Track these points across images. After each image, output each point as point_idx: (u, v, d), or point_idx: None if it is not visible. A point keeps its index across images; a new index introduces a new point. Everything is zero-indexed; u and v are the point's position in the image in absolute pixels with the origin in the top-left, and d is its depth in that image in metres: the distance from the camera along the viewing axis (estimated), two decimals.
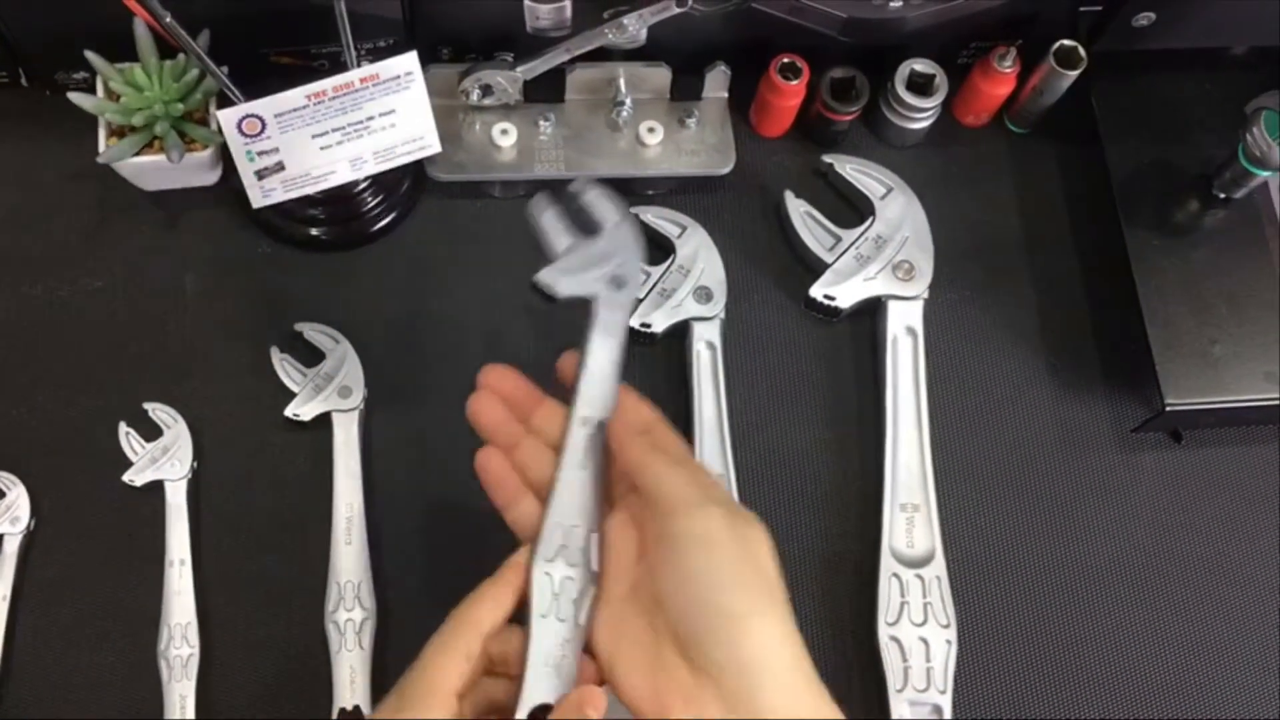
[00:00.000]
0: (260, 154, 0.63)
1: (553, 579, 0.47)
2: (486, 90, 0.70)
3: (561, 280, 0.51)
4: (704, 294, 0.69)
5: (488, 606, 0.47)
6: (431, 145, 0.66)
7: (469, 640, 0.46)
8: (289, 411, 0.65)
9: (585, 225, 0.52)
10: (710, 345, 0.68)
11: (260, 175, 0.64)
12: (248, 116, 0.62)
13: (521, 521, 0.50)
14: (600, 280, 0.51)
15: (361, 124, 0.64)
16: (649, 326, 0.68)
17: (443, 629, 0.47)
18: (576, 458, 0.49)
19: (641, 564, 0.47)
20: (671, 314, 0.68)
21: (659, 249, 0.71)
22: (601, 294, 0.51)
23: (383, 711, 0.45)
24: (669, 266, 0.69)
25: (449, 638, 0.46)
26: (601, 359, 0.51)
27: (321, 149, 0.64)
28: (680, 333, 0.69)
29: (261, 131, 0.62)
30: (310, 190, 0.66)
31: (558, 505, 0.49)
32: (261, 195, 0.65)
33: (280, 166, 0.64)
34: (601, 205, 0.52)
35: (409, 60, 0.62)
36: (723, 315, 0.69)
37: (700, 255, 0.70)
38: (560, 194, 0.52)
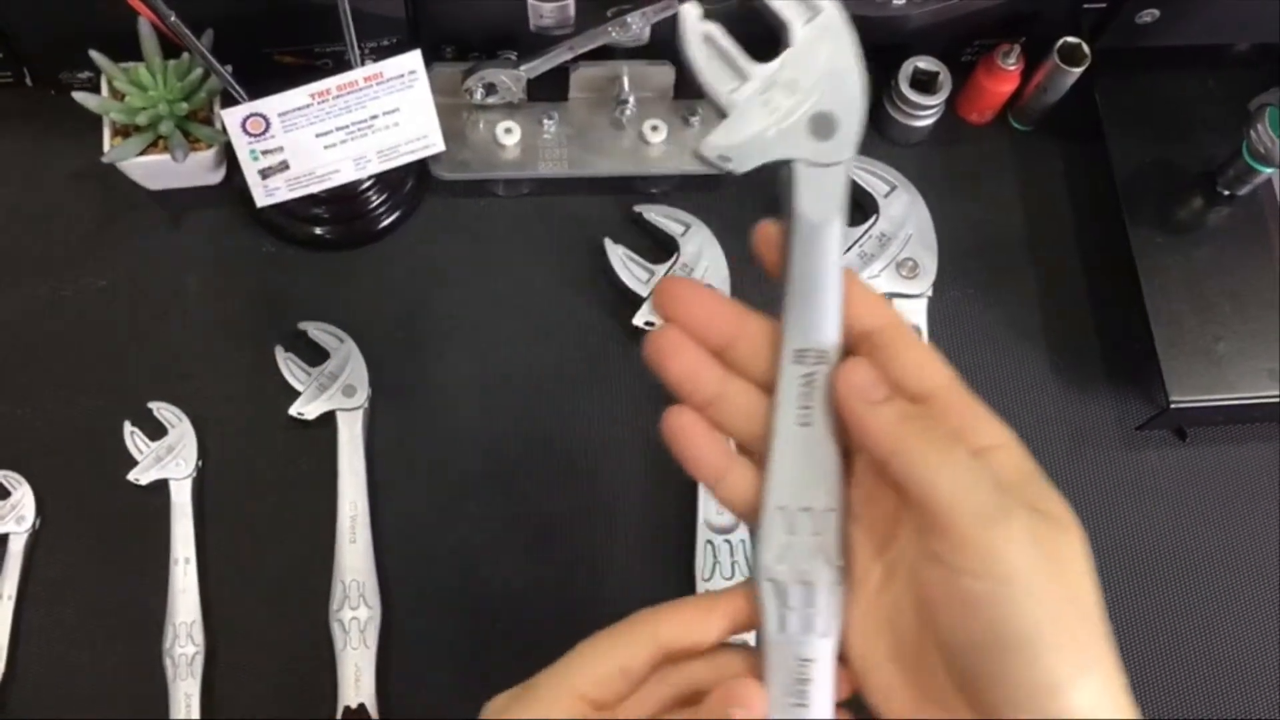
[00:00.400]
0: (264, 153, 0.63)
1: (780, 586, 0.35)
2: (490, 89, 0.70)
3: (738, 144, 0.35)
4: None
5: (677, 623, 0.36)
6: (435, 144, 0.66)
7: (634, 653, 0.35)
8: (293, 410, 0.65)
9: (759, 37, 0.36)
10: None
11: (264, 174, 0.65)
12: (252, 115, 0.62)
13: (737, 496, 0.37)
14: (797, 129, 0.35)
15: (365, 123, 0.64)
16: (654, 325, 0.68)
17: (615, 628, 0.36)
18: (792, 412, 0.35)
19: (896, 546, 0.35)
20: None
21: (663, 247, 0.71)
22: (803, 150, 0.35)
23: (506, 698, 0.36)
24: (672, 265, 0.69)
25: (609, 643, 0.36)
26: (814, 258, 0.34)
27: (325, 148, 0.64)
28: None
29: (265, 131, 0.62)
30: (314, 189, 0.66)
31: (776, 484, 0.35)
32: (265, 194, 0.65)
33: (284, 165, 0.64)
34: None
35: (413, 59, 0.62)
36: None
37: (704, 254, 0.70)
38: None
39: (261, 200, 0.66)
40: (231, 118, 0.62)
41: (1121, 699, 0.32)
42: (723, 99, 0.35)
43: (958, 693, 0.33)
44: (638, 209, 0.72)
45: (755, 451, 0.36)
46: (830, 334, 0.35)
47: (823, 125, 0.35)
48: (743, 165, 0.35)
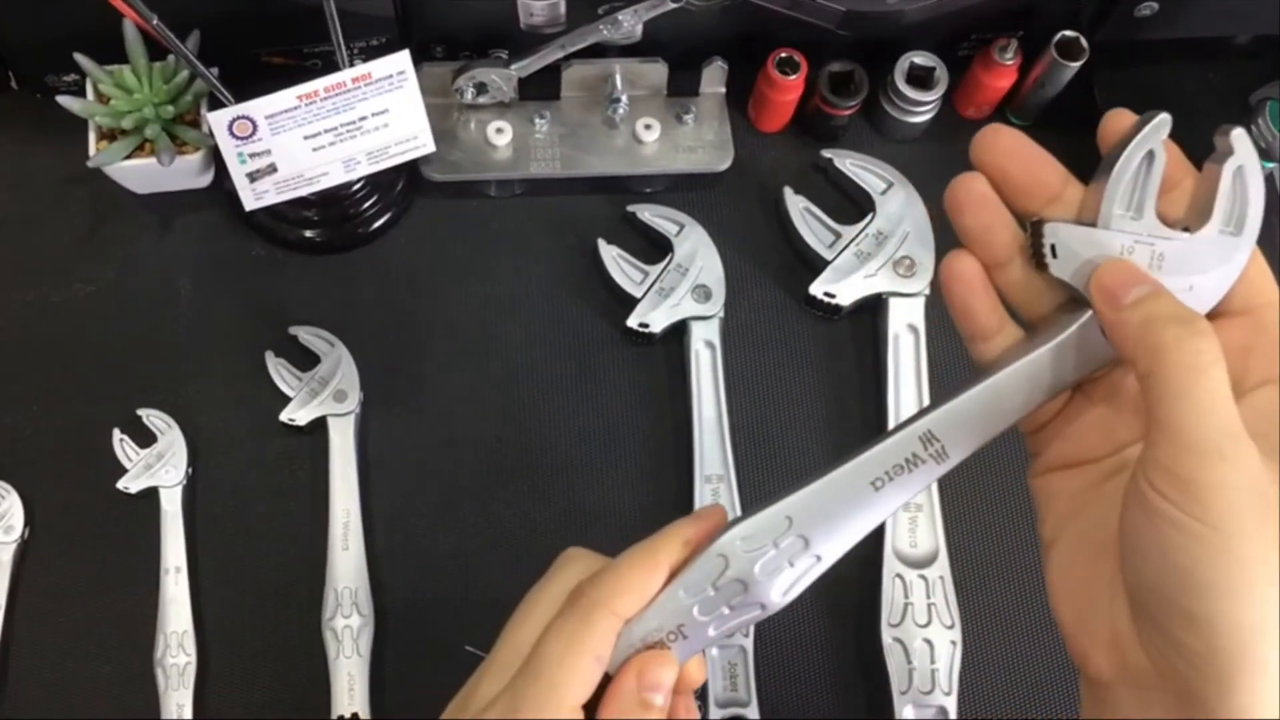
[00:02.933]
0: (252, 156, 0.63)
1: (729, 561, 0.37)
2: (481, 88, 0.69)
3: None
4: (703, 292, 0.68)
5: (632, 596, 0.37)
6: (425, 145, 0.66)
7: (602, 639, 0.36)
8: (284, 416, 0.65)
9: None
10: (709, 344, 0.68)
11: (252, 177, 0.64)
12: (239, 118, 0.61)
13: (991, 358, 0.36)
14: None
15: (354, 124, 0.63)
16: (647, 326, 0.67)
17: (575, 618, 0.36)
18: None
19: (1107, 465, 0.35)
20: (670, 313, 0.68)
21: (657, 247, 0.70)
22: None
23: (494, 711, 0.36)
24: (667, 265, 0.69)
25: (576, 636, 0.36)
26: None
27: (314, 150, 0.64)
28: (679, 332, 0.69)
29: (253, 133, 0.62)
30: (303, 192, 0.65)
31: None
32: (254, 197, 0.65)
33: (272, 168, 0.64)
34: None
35: (401, 59, 0.61)
36: (722, 314, 0.68)
37: (699, 253, 0.69)
38: None
39: (250, 203, 0.65)
40: (218, 120, 0.61)
41: None
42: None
43: (1150, 663, 0.33)
44: (631, 209, 0.71)
45: (1031, 326, 0.36)
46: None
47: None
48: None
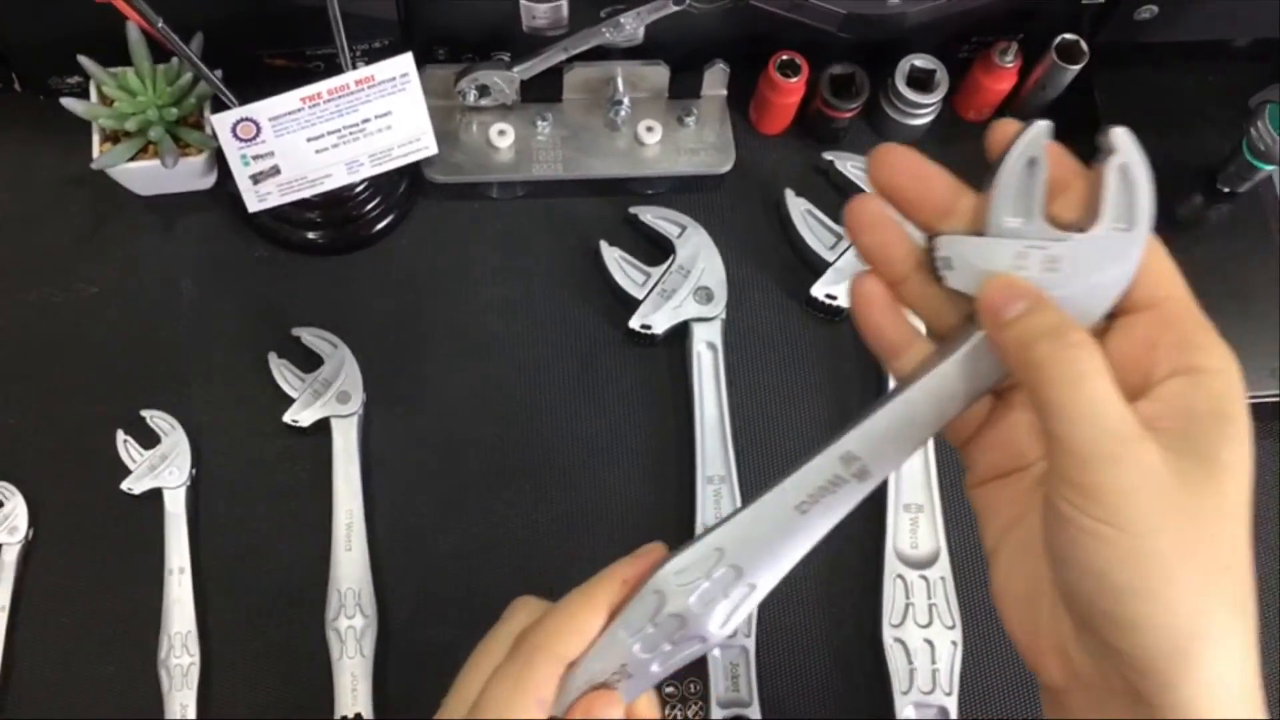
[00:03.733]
0: (255, 158, 0.63)
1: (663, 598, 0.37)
2: (483, 91, 0.69)
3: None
4: (705, 294, 0.68)
5: (572, 639, 0.38)
6: (428, 147, 0.66)
7: (544, 681, 0.37)
8: (287, 417, 0.65)
9: None
10: (711, 346, 0.68)
11: (255, 179, 0.64)
12: (242, 120, 0.61)
13: (905, 373, 0.37)
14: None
15: (357, 126, 0.63)
16: (649, 328, 0.67)
17: (518, 662, 0.37)
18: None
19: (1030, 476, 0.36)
20: (672, 315, 0.68)
21: (659, 249, 0.71)
22: None
23: None
24: (669, 267, 0.69)
25: (519, 679, 0.37)
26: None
27: (317, 152, 0.64)
28: (681, 334, 0.69)
29: (256, 135, 0.62)
30: (306, 194, 0.66)
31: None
32: (257, 199, 0.65)
33: (276, 170, 0.64)
34: None
35: (404, 61, 0.62)
36: (723, 316, 0.68)
37: (700, 255, 0.69)
38: None
39: (253, 205, 0.65)
40: (222, 123, 0.61)
41: (1247, 657, 0.31)
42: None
43: (1093, 665, 0.33)
44: (633, 210, 0.71)
45: (940, 339, 0.36)
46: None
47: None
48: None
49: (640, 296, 0.68)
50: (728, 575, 0.37)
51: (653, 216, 0.71)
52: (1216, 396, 0.32)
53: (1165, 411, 0.32)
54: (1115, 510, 0.30)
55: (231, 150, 0.62)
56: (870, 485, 0.36)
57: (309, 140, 0.63)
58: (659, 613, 0.37)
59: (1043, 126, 0.34)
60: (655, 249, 0.71)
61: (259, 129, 0.62)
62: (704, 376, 0.67)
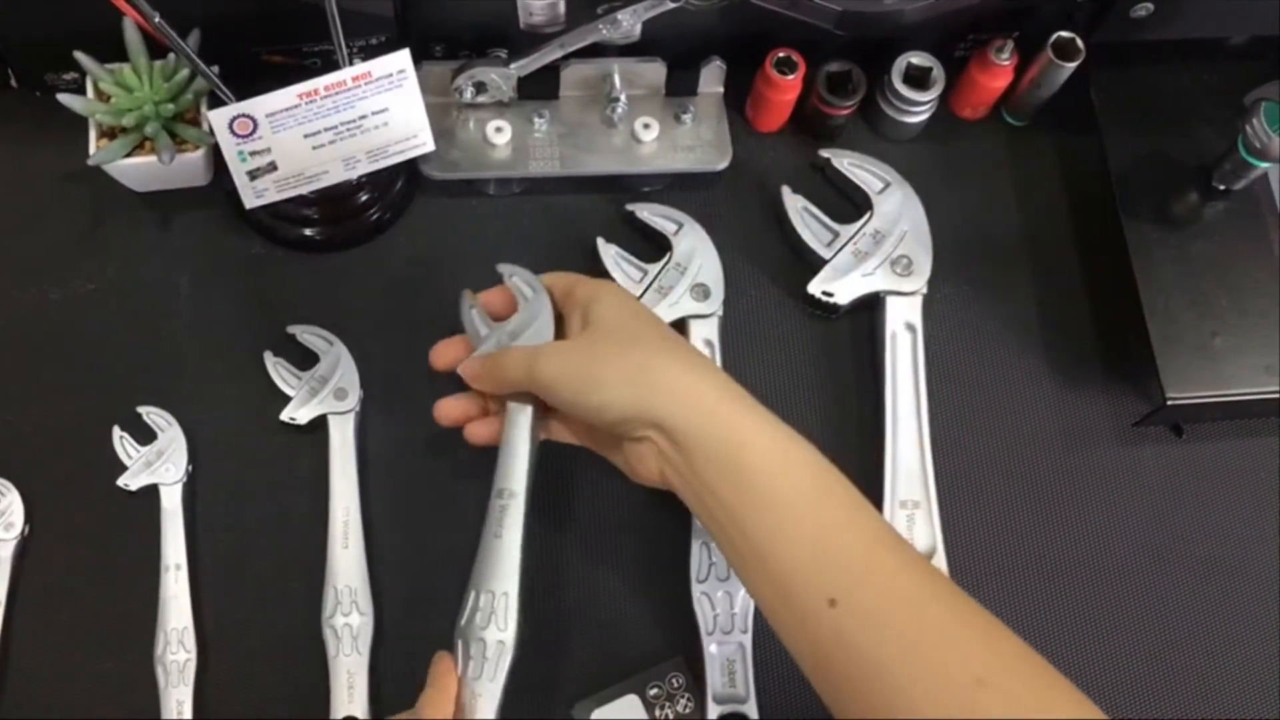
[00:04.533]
0: (252, 154, 0.63)
1: (485, 644, 0.54)
2: (480, 87, 0.69)
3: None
4: (701, 291, 0.68)
5: None
6: (425, 144, 0.66)
7: None
8: (284, 415, 0.65)
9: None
10: (708, 343, 0.68)
11: (252, 176, 0.64)
12: (239, 116, 0.61)
13: (479, 433, 0.61)
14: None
15: (354, 123, 0.64)
16: None
17: None
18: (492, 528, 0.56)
19: None
20: (669, 312, 0.68)
21: (655, 246, 0.71)
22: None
23: None
24: (665, 264, 0.69)
25: None
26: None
27: (314, 148, 0.64)
28: (678, 330, 0.69)
29: (253, 131, 0.62)
30: (303, 190, 0.66)
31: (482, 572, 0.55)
32: (254, 196, 0.65)
33: (273, 167, 0.64)
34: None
35: (401, 58, 0.62)
36: (720, 312, 0.68)
37: (697, 252, 0.69)
38: None
39: (250, 202, 0.65)
40: (219, 119, 0.61)
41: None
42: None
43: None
44: (630, 208, 0.71)
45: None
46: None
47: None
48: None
49: (637, 293, 0.68)
50: (485, 596, 0.54)
51: (649, 213, 0.71)
52: (583, 297, 0.57)
53: (576, 329, 0.57)
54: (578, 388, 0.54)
55: (228, 146, 0.62)
56: (521, 500, 0.57)
57: (306, 137, 0.63)
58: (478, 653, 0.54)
59: (464, 299, 0.60)
60: (652, 246, 0.71)
61: (256, 125, 0.62)
62: None
